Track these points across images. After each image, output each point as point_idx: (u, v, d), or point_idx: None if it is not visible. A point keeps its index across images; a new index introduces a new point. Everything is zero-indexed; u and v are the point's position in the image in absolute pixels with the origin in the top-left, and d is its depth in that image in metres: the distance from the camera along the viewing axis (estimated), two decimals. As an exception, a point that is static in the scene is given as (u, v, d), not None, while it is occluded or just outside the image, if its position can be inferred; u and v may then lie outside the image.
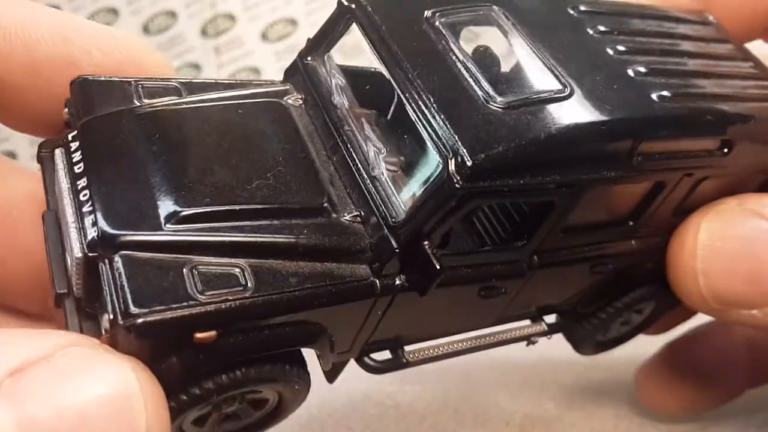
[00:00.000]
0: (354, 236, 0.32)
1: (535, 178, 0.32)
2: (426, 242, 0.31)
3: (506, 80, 0.35)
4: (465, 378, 0.60)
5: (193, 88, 0.37)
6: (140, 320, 0.26)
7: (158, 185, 0.31)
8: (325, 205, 0.33)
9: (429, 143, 0.32)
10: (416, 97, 0.32)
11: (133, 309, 0.26)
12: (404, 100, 0.33)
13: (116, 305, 0.27)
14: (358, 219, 0.33)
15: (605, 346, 0.49)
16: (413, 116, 0.33)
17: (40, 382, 0.24)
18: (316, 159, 0.35)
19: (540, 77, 0.35)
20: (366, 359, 0.38)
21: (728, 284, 0.39)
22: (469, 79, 0.33)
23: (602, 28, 0.39)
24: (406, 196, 0.33)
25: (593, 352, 0.49)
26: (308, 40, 0.40)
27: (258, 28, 1.42)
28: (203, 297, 0.28)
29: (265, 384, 0.32)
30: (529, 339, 0.44)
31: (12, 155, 1.54)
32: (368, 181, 0.34)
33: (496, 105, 0.32)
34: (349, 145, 0.35)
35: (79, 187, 0.31)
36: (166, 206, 0.30)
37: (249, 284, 0.29)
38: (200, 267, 0.29)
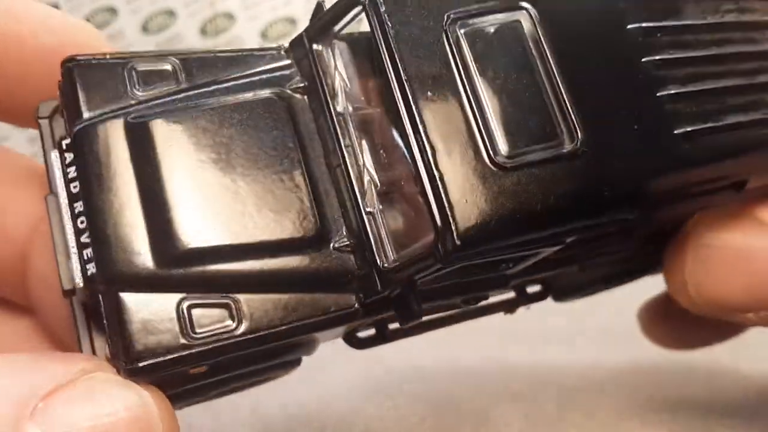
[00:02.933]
0: (342, 266, 0.33)
1: (528, 244, 0.31)
2: (411, 292, 0.32)
3: (516, 124, 0.31)
4: (465, 379, 0.60)
5: (189, 67, 0.35)
6: (140, 365, 0.29)
7: (153, 216, 0.31)
8: (317, 233, 0.33)
9: (423, 191, 0.30)
10: (415, 136, 0.30)
11: (132, 354, 0.29)
12: (404, 137, 0.31)
13: (117, 345, 0.29)
14: (348, 249, 0.33)
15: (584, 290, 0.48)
16: (410, 160, 0.31)
17: (69, 405, 0.27)
18: (314, 170, 0.34)
19: (553, 124, 0.31)
20: (351, 337, 0.39)
21: (721, 292, 0.38)
22: (477, 122, 0.31)
23: (645, 26, 0.35)
24: (396, 243, 0.32)
25: (573, 299, 0.48)
26: (318, 5, 0.36)
27: (257, 28, 1.42)
28: (196, 338, 0.30)
29: (256, 385, 0.37)
30: (509, 309, 0.43)
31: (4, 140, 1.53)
32: (362, 212, 0.33)
33: (498, 161, 0.30)
34: (347, 163, 0.33)
35: (77, 211, 0.31)
36: (161, 242, 0.31)
37: (238, 321, 0.31)
38: (193, 305, 0.30)
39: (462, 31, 0.32)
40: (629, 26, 0.34)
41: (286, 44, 0.36)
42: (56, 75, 0.34)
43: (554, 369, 0.63)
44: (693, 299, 0.39)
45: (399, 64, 0.31)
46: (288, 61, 0.36)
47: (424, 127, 0.30)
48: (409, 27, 0.32)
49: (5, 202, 0.37)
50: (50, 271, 0.34)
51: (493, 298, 0.42)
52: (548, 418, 0.53)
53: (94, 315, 0.32)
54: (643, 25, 0.35)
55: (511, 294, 0.43)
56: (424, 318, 0.40)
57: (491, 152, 0.30)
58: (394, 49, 0.31)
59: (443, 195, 0.29)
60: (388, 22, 0.32)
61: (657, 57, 0.34)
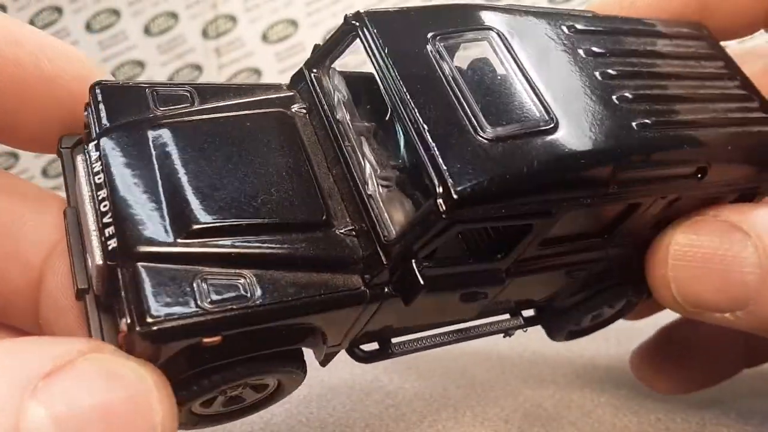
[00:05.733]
0: (348, 249, 0.36)
1: (516, 207, 0.35)
2: (413, 260, 0.34)
3: (497, 109, 0.37)
4: (464, 377, 0.61)
5: (203, 93, 0.39)
6: (154, 328, 0.30)
7: (171, 200, 0.34)
8: (324, 219, 0.36)
9: (421, 170, 0.34)
10: (412, 125, 0.35)
11: (148, 318, 0.30)
12: (401, 126, 0.36)
13: (133, 312, 0.30)
14: (353, 233, 0.36)
15: (577, 334, 0.52)
16: (408, 143, 0.35)
17: (68, 384, 0.28)
18: (317, 171, 0.38)
19: (529, 107, 0.37)
20: (355, 350, 0.41)
21: (699, 291, 0.40)
22: (463, 109, 0.36)
23: (594, 50, 0.41)
24: (396, 217, 0.36)
25: (565, 340, 0.52)
26: (315, 46, 0.42)
27: (259, 29, 1.43)
28: (210, 306, 0.31)
29: (265, 374, 0.36)
30: (507, 331, 0.47)
31: (14, 156, 1.54)
32: (364, 197, 0.37)
33: (484, 137, 0.35)
34: (347, 161, 0.38)
35: (100, 198, 0.34)
36: (178, 220, 0.33)
37: (251, 294, 0.32)
38: (208, 278, 0.32)
39: (442, 44, 0.39)
40: (581, 48, 0.41)
41: (287, 82, 0.42)
42: (55, 100, 0.38)
43: (553, 368, 0.64)
44: (674, 297, 0.41)
45: (393, 68, 0.37)
46: (290, 92, 0.41)
47: (419, 113, 0.35)
48: (397, 43, 0.38)
49: (21, 230, 0.38)
50: (62, 291, 0.37)
51: (494, 319, 0.46)
52: (546, 415, 0.53)
53: (105, 309, 0.34)
54: (594, 49, 0.42)
55: (507, 316, 0.47)
56: (428, 333, 0.43)
57: (478, 129, 0.35)
58: (387, 58, 0.37)
59: (439, 161, 0.34)
60: (380, 39, 0.38)
61: (609, 70, 0.41)
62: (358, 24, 0.38)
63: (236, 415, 0.38)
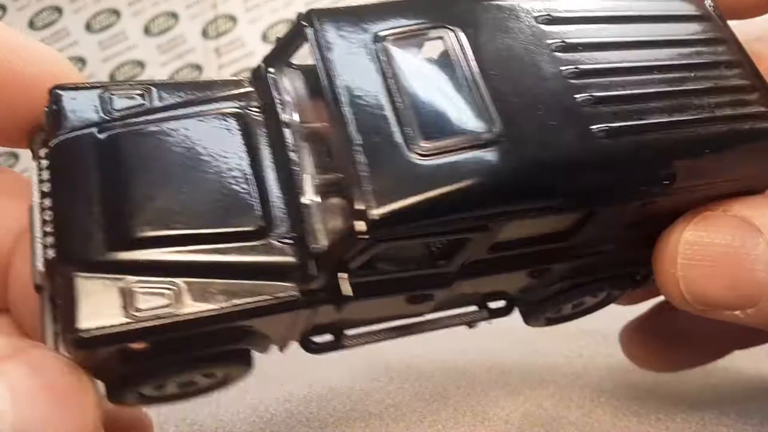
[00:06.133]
0: (283, 257, 0.36)
1: (445, 224, 0.34)
2: (342, 272, 0.34)
3: (436, 120, 0.35)
4: (464, 377, 0.61)
5: (158, 93, 0.39)
6: (82, 336, 0.32)
7: (108, 210, 0.35)
8: (260, 226, 0.36)
9: (349, 185, 0.34)
10: (343, 137, 0.34)
11: (77, 325, 0.32)
12: (335, 137, 0.35)
13: (65, 319, 0.32)
14: (289, 241, 0.36)
15: (556, 321, 0.50)
16: (341, 156, 0.35)
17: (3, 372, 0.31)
18: (265, 176, 0.38)
19: (470, 117, 0.35)
20: (308, 341, 0.41)
21: (709, 290, 0.39)
22: (399, 120, 0.35)
23: (565, 43, 0.39)
24: (332, 225, 0.36)
25: (543, 326, 0.50)
26: (277, 39, 0.40)
27: (259, 29, 1.43)
28: (138, 315, 0.33)
29: (205, 370, 0.38)
30: (470, 324, 0.45)
31: (15, 156, 1.54)
32: (300, 206, 0.36)
33: (416, 151, 0.34)
34: (291, 167, 0.37)
35: (44, 207, 0.35)
36: (113, 231, 0.34)
37: (180, 303, 0.33)
38: (138, 287, 0.33)
39: (389, 45, 0.37)
40: (549, 42, 0.39)
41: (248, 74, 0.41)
42: (38, 101, 0.38)
43: (553, 367, 0.64)
44: (683, 296, 0.40)
45: (332, 75, 0.36)
46: (249, 88, 0.41)
47: (350, 124, 0.34)
48: (342, 44, 0.37)
49: None
50: (27, 275, 0.37)
51: (455, 311, 0.44)
52: (546, 415, 0.53)
53: (56, 305, 0.35)
54: (564, 41, 0.39)
55: (473, 308, 0.45)
56: (383, 326, 0.43)
57: (410, 143, 0.34)
58: (328, 62, 0.36)
59: (363, 179, 0.33)
60: (325, 42, 0.37)
61: (577, 67, 0.38)
62: (305, 24, 0.37)
63: (190, 395, 0.40)
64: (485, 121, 0.35)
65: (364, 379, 0.60)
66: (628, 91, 0.38)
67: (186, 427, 0.52)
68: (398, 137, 0.34)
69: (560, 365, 0.64)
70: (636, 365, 0.56)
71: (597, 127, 0.36)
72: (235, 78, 0.41)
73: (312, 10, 0.38)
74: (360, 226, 0.32)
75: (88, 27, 1.48)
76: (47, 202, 0.35)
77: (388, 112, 0.35)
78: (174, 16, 1.44)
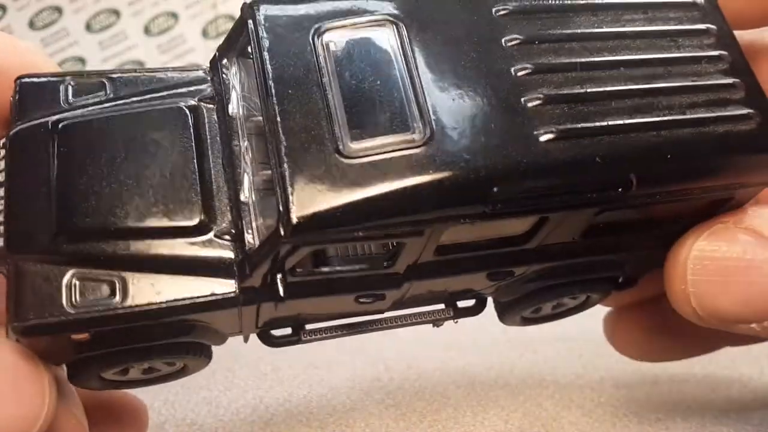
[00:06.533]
0: (222, 253, 0.36)
1: (373, 228, 0.33)
2: (274, 272, 0.34)
3: (368, 120, 0.34)
4: (464, 377, 0.61)
5: (116, 82, 0.40)
6: (24, 324, 0.33)
7: (57, 201, 0.35)
8: (200, 222, 0.36)
9: (274, 188, 0.33)
10: (272, 136, 0.33)
11: (20, 314, 0.33)
12: (267, 134, 0.34)
13: (10, 306, 0.33)
14: (228, 238, 0.36)
15: (533, 322, 0.48)
16: (271, 154, 0.34)
17: None
18: (211, 170, 0.37)
19: (404, 117, 0.34)
20: (266, 334, 0.41)
21: (722, 305, 0.38)
22: (329, 119, 0.34)
23: (521, 38, 0.37)
24: (263, 226, 0.36)
25: (520, 325, 0.48)
26: (231, 29, 0.40)
27: (259, 29, 1.43)
28: (77, 306, 0.33)
29: (159, 360, 0.38)
30: (434, 322, 0.45)
31: None
32: (240, 203, 0.36)
33: (344, 153, 0.33)
34: (234, 162, 0.37)
35: None
36: (59, 222, 0.35)
37: (118, 296, 0.34)
38: (81, 278, 0.34)
39: (327, 40, 0.36)
40: (505, 37, 0.36)
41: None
42: (9, 92, 0.39)
43: (553, 368, 0.64)
44: (695, 312, 0.39)
45: (266, 70, 0.35)
46: (206, 78, 0.40)
47: (280, 124, 0.34)
48: (281, 38, 0.36)
49: None
50: None
51: (418, 309, 0.43)
52: (546, 415, 0.53)
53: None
54: (521, 36, 0.36)
55: (441, 306, 0.44)
56: (342, 321, 0.42)
57: (338, 145, 0.33)
58: (264, 57, 0.35)
59: (287, 183, 0.32)
60: (264, 33, 0.36)
61: (528, 64, 0.36)
62: (247, 15, 0.36)
63: (153, 381, 0.41)
64: (419, 122, 0.34)
65: (364, 379, 0.60)
66: (585, 90, 0.36)
67: (186, 427, 0.53)
68: (327, 137, 0.33)
69: (560, 366, 0.64)
70: (619, 352, 0.55)
71: (543, 130, 0.34)
72: (194, 68, 0.41)
73: (256, 0, 0.36)
74: (281, 229, 0.32)
75: (88, 27, 1.48)
76: (0, 191, 0.36)
77: (320, 110, 0.34)
78: (174, 16, 1.44)
